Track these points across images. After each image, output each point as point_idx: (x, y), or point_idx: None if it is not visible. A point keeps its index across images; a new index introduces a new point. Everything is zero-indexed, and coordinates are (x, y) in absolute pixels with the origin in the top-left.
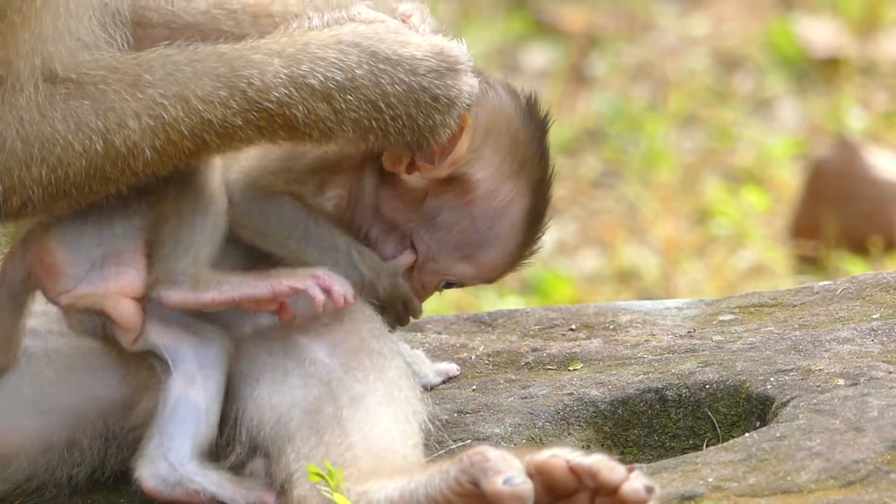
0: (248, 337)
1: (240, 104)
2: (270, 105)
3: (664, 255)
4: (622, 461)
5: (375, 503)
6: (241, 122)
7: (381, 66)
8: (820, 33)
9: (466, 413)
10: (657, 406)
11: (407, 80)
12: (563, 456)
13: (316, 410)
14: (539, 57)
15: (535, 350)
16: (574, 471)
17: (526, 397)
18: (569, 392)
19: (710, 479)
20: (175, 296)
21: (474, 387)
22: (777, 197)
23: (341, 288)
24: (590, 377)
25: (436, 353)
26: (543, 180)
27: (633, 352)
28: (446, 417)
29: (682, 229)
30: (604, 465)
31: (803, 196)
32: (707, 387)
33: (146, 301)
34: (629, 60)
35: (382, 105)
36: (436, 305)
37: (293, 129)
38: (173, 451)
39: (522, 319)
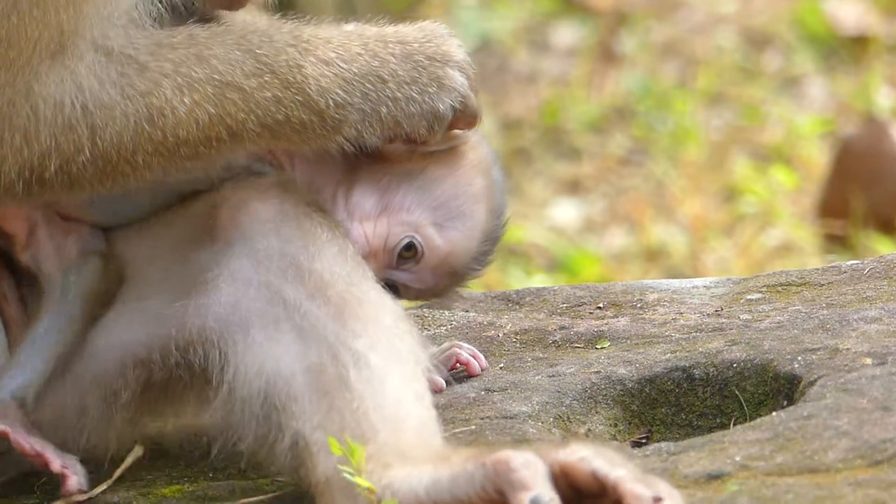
0: (220, 276)
1: (252, 67)
2: (279, 64)
3: (692, 233)
4: (650, 440)
5: (401, 496)
6: (255, 84)
7: (372, 42)
8: (849, 11)
9: (494, 391)
10: (684, 384)
11: (400, 49)
12: (589, 462)
13: (319, 370)
14: (568, 34)
15: (562, 328)
16: (599, 480)
17: (553, 375)
18: (596, 370)
19: (738, 458)
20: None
21: (502, 364)
22: (805, 175)
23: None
24: (617, 355)
25: (463, 331)
26: (500, 208)
27: (661, 330)
28: (473, 395)
29: (710, 207)
30: (628, 487)
31: (831, 175)
32: (734, 365)
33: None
34: (658, 38)
35: (385, 74)
36: None
37: (302, 89)
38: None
39: (550, 297)
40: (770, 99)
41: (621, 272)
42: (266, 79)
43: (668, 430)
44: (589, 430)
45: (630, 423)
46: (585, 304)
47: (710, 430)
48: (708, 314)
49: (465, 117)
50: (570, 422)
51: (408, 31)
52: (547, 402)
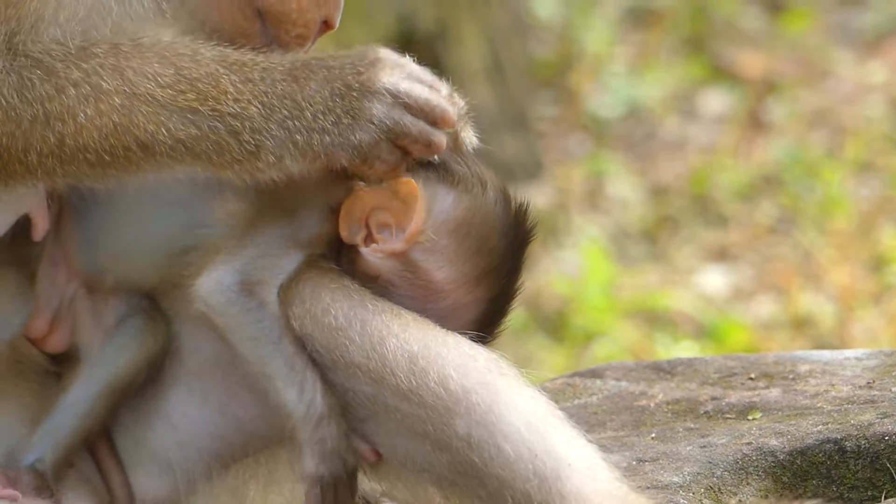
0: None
1: (169, 77)
2: (199, 77)
3: (840, 302)
4: None
5: None
6: (169, 95)
7: (299, 67)
8: None
9: (645, 461)
10: (836, 457)
11: (324, 75)
12: None
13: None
14: (716, 102)
15: (714, 398)
16: None
17: (705, 446)
18: (748, 441)
19: None
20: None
21: (653, 434)
22: None
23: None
24: (769, 427)
25: (614, 400)
26: (503, 295)
27: (813, 402)
28: (625, 465)
29: (858, 277)
30: None
31: None
32: (886, 438)
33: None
34: (806, 107)
35: (301, 100)
36: (612, 350)
37: (218, 112)
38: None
39: (702, 367)
40: None
41: (768, 341)
42: (182, 88)
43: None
44: (740, 501)
45: (781, 495)
46: (737, 374)
47: (861, 503)
48: (860, 386)
49: (413, 144)
50: (721, 493)
51: (340, 56)
52: (698, 473)
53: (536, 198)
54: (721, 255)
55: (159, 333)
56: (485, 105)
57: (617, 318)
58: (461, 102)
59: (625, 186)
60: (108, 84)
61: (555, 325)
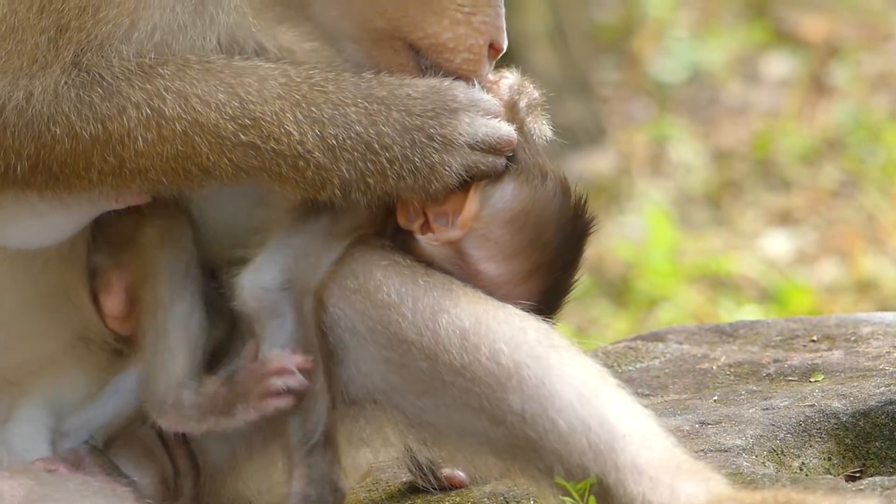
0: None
1: (234, 109)
2: (263, 114)
3: None
4: (864, 474)
5: None
6: (231, 129)
7: (375, 105)
8: None
9: (708, 424)
10: None
11: (401, 119)
12: None
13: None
14: (779, 66)
15: (776, 361)
16: None
17: (767, 409)
18: (810, 404)
19: None
20: (168, 425)
21: (716, 397)
22: None
23: (296, 360)
24: (831, 389)
25: (677, 364)
26: (556, 289)
27: (875, 363)
28: (688, 428)
29: None
30: None
31: None
32: None
33: None
34: (869, 70)
35: (377, 146)
36: (676, 315)
37: (279, 152)
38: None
39: (764, 330)
40: None
41: (832, 304)
42: (245, 123)
43: (882, 464)
44: (803, 463)
45: (844, 457)
46: (799, 336)
47: None
48: None
49: (480, 176)
50: (784, 455)
51: (418, 96)
52: (761, 436)
53: (599, 163)
54: (784, 219)
55: (224, 322)
56: (547, 70)
57: (680, 283)
58: (535, 94)
59: (688, 151)
60: (171, 110)
61: (618, 290)
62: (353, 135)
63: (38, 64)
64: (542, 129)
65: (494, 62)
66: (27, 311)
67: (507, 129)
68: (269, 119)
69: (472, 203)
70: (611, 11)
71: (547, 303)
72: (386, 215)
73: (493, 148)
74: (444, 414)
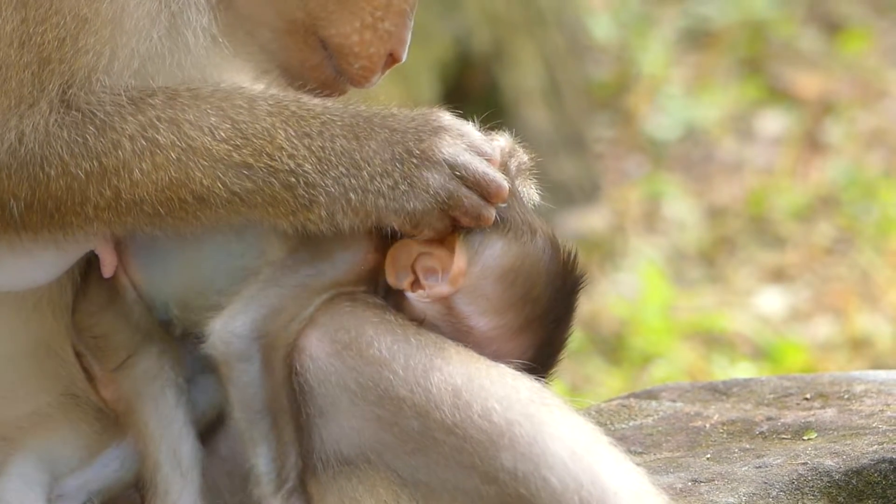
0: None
1: (226, 131)
2: (255, 132)
3: None
4: None
5: None
6: (225, 150)
7: (359, 122)
8: None
9: (701, 482)
10: (892, 476)
11: (384, 135)
12: None
13: None
14: (773, 123)
15: (769, 419)
16: None
17: (760, 466)
18: (803, 462)
19: None
20: None
21: (709, 455)
22: None
23: None
24: (824, 447)
25: (670, 421)
26: (550, 344)
27: (868, 421)
28: (680, 486)
29: None
30: None
31: None
32: None
33: None
34: (863, 127)
35: (360, 158)
36: (669, 371)
37: (272, 168)
38: None
39: (757, 388)
40: None
41: (826, 361)
42: (237, 143)
43: None
44: None
45: None
46: (792, 394)
47: None
48: None
49: (463, 215)
50: None
51: (404, 117)
52: (754, 494)
53: (594, 219)
54: (778, 276)
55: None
56: (542, 126)
57: (674, 340)
58: (525, 157)
59: (682, 208)
60: (165, 138)
61: (612, 346)
62: (338, 148)
63: (25, 103)
64: (530, 192)
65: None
66: (14, 363)
67: (494, 172)
68: (260, 136)
69: (460, 258)
70: (605, 68)
71: (541, 359)
72: (372, 275)
73: (477, 184)
74: (437, 472)
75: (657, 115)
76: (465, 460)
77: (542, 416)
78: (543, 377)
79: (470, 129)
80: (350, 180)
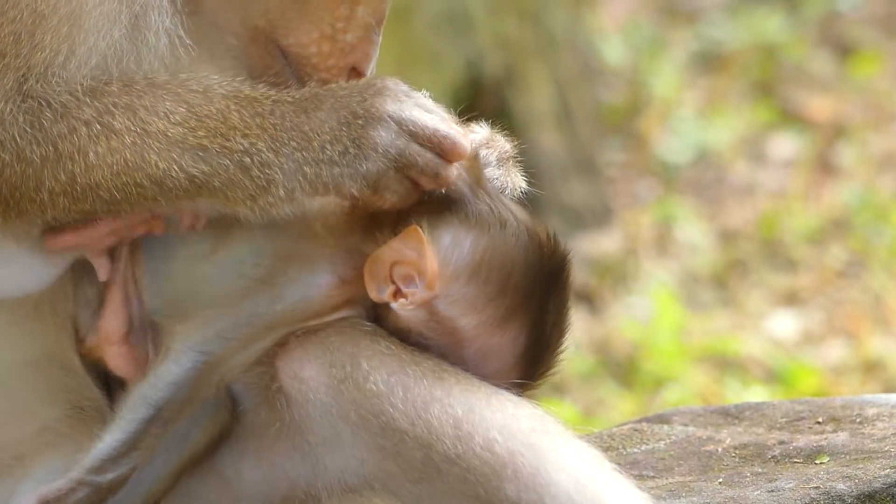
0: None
1: (181, 115)
2: (210, 113)
3: None
4: None
5: None
6: (180, 133)
7: (308, 98)
8: None
9: None
10: None
11: (330, 104)
12: None
13: None
14: (785, 146)
15: (781, 443)
16: None
17: (773, 490)
18: (815, 486)
19: None
20: None
21: (721, 480)
22: None
23: None
24: (837, 471)
25: (682, 446)
26: (539, 333)
27: (880, 445)
28: None
29: None
30: None
31: None
32: None
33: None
34: (875, 150)
35: (308, 130)
36: (682, 395)
37: (227, 149)
38: None
39: (769, 412)
40: None
41: (839, 385)
42: (192, 125)
43: None
44: None
45: None
46: (804, 418)
47: None
48: None
49: (420, 175)
50: None
51: (349, 86)
52: None
53: (606, 243)
54: (791, 300)
55: (230, 406)
56: (553, 150)
57: (687, 364)
58: (507, 146)
59: (694, 231)
60: (120, 123)
61: (625, 370)
62: (287, 124)
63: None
64: (515, 180)
65: None
66: (20, 375)
67: (448, 128)
68: (215, 117)
69: (432, 261)
70: (617, 92)
71: (536, 348)
72: (352, 303)
73: (429, 140)
74: (441, 501)
75: (669, 138)
76: (469, 490)
77: (544, 446)
78: (545, 368)
79: (419, 93)
80: (303, 153)
